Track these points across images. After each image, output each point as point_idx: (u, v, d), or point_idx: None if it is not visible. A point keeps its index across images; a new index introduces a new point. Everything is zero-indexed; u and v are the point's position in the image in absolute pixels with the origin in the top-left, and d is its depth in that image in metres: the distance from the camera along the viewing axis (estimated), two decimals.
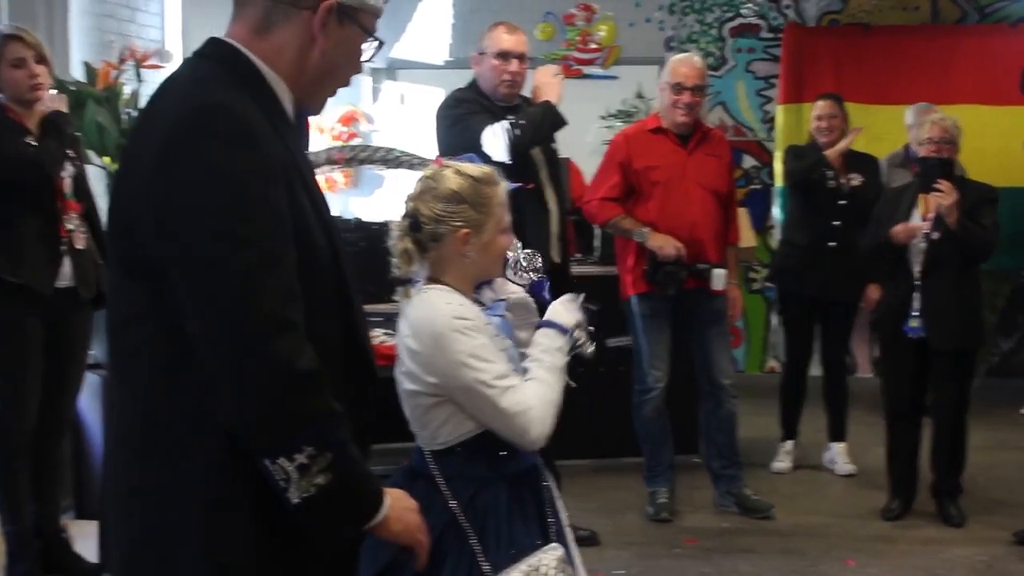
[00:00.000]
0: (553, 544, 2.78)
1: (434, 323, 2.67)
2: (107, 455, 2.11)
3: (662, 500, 5.68)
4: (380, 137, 9.33)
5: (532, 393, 2.71)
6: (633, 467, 6.08)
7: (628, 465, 6.26)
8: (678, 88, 5.50)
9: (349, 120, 9.17)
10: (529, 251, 3.04)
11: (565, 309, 2.88)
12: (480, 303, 2.84)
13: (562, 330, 2.83)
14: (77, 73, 6.04)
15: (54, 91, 4.64)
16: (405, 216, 2.78)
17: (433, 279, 2.78)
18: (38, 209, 4.48)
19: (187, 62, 2.10)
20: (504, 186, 2.83)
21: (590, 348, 2.91)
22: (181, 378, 1.91)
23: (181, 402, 1.92)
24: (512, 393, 2.68)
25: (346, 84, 2.17)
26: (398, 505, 2.10)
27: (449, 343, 2.64)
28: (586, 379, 6.30)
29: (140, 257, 1.93)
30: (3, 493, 4.57)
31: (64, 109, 4.63)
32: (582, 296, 2.94)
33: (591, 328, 2.91)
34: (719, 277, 5.47)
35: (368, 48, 2.15)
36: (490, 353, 2.68)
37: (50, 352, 4.56)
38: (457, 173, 2.77)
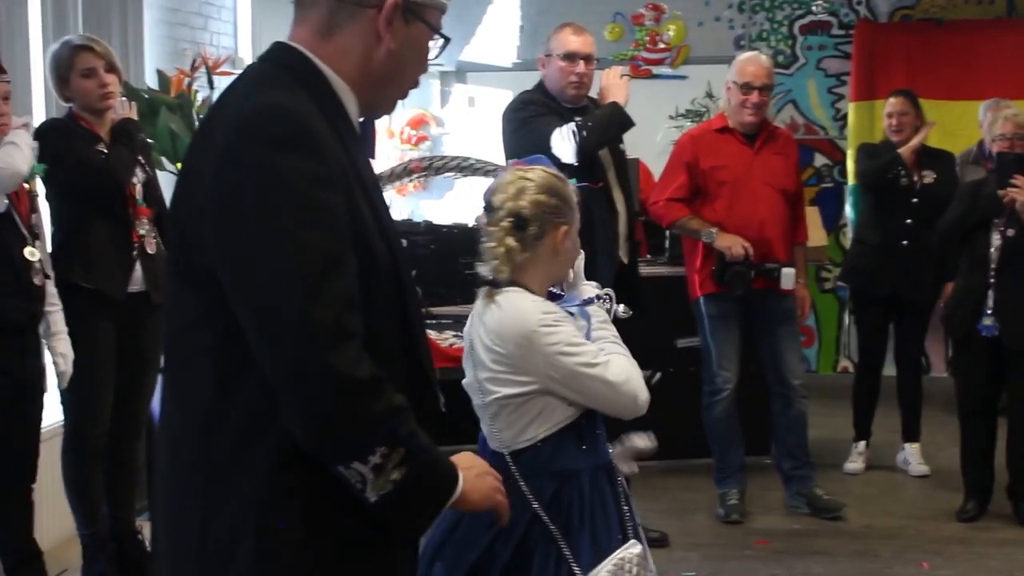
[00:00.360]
0: (632, 540, 2.82)
1: (524, 323, 2.72)
2: (159, 461, 2.09)
3: (732, 501, 5.65)
4: (450, 140, 9.39)
5: (623, 363, 2.81)
6: (703, 468, 6.05)
7: (698, 466, 6.23)
8: (747, 88, 5.47)
9: (419, 123, 9.23)
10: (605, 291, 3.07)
11: (582, 284, 2.97)
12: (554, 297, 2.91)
13: (592, 300, 2.92)
14: (151, 81, 6.13)
15: (124, 99, 4.72)
16: (505, 216, 2.77)
17: (514, 281, 2.80)
18: (110, 215, 4.56)
19: (250, 67, 2.09)
20: (573, 188, 2.89)
21: (621, 309, 3.05)
22: (236, 389, 1.90)
23: (235, 414, 1.90)
24: (612, 367, 2.77)
25: (415, 85, 2.14)
26: (471, 475, 2.09)
27: (542, 338, 2.71)
28: (657, 380, 6.37)
29: (198, 265, 1.91)
30: (78, 496, 4.65)
31: (134, 116, 4.71)
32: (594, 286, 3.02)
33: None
34: (788, 276, 5.43)
35: (434, 46, 2.12)
36: (580, 338, 2.77)
37: (123, 356, 4.64)
38: (547, 173, 2.85)
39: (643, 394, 2.83)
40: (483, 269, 2.81)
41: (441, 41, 2.12)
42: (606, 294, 2.98)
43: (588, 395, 2.78)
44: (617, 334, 2.91)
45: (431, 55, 2.13)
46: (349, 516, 1.93)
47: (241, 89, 1.99)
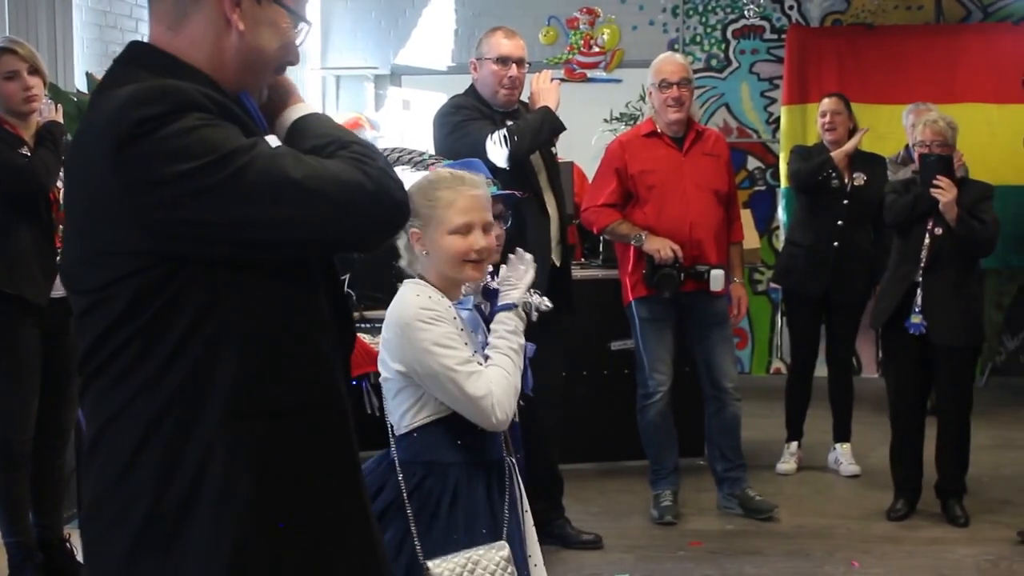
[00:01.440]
0: (500, 542, 2.86)
1: (402, 313, 2.85)
2: (86, 465, 2.03)
3: (666, 503, 5.67)
4: (384, 143, 9.34)
5: (494, 377, 2.85)
6: (637, 470, 6.08)
7: (632, 468, 6.26)
8: (664, 85, 5.51)
9: (353, 126, 9.16)
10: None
11: (511, 279, 3.02)
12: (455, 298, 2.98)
13: (509, 307, 2.98)
14: (80, 83, 6.06)
15: (49, 101, 4.66)
16: None
17: (421, 275, 2.96)
18: (33, 220, 4.50)
19: (107, 72, 2.03)
20: (469, 191, 2.94)
21: (546, 304, 3.10)
22: (166, 377, 1.89)
23: (166, 401, 1.89)
24: (476, 378, 2.82)
25: (282, 69, 2.10)
26: None
27: (415, 332, 2.81)
28: (590, 382, 6.38)
29: (115, 269, 1.89)
30: (4, 504, 4.59)
31: (59, 119, 4.65)
32: (528, 256, 3.10)
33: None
34: (717, 278, 5.46)
35: (301, 31, 2.08)
36: (454, 341, 2.83)
37: (47, 363, 4.58)
38: (429, 175, 2.98)
39: (500, 413, 2.85)
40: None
41: (304, 24, 2.08)
42: (529, 301, 3.03)
43: (444, 397, 2.85)
44: (520, 346, 2.95)
45: (297, 40, 2.08)
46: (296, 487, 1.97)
47: (101, 98, 1.93)
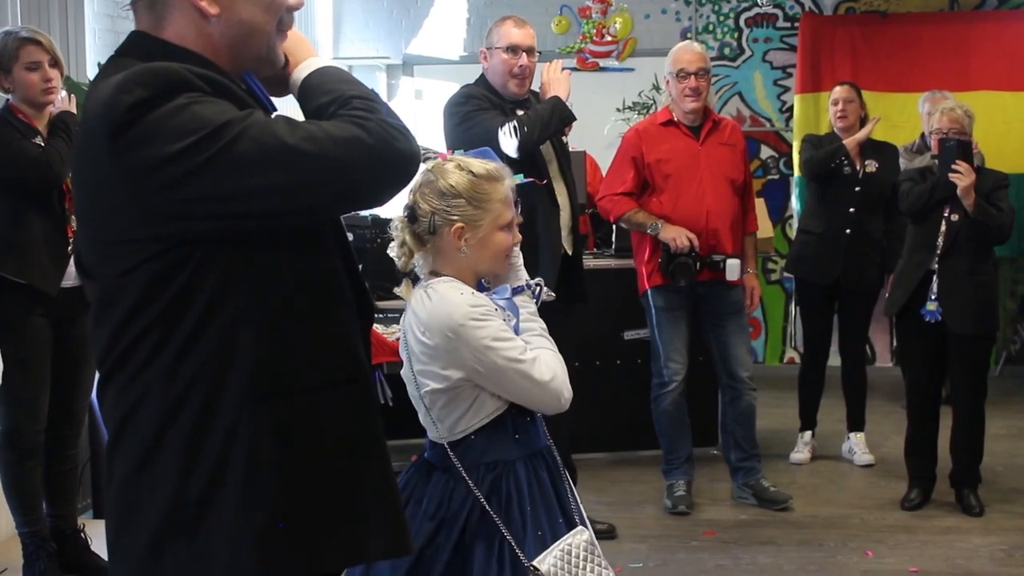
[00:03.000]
0: (580, 527, 2.83)
1: (451, 316, 2.71)
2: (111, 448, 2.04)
3: (680, 493, 5.67)
4: None
5: (550, 359, 2.81)
6: (651, 460, 6.08)
7: (646, 458, 6.26)
8: (683, 74, 5.49)
9: None
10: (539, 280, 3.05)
11: (514, 263, 2.95)
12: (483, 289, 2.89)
13: (521, 290, 2.91)
14: (92, 74, 6.06)
15: (64, 92, 4.66)
16: (405, 208, 2.81)
17: (434, 272, 2.82)
18: (45, 209, 4.50)
19: (104, 63, 2.03)
20: (508, 184, 2.85)
21: (548, 293, 3.04)
22: (185, 363, 1.90)
23: (186, 387, 1.90)
24: (539, 363, 2.76)
25: (287, 24, 2.07)
26: None
27: (471, 331, 2.69)
28: (603, 372, 6.38)
29: (129, 253, 1.89)
30: (17, 494, 4.59)
31: (73, 110, 4.65)
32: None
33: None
34: (733, 267, 5.45)
35: None
36: (508, 333, 2.75)
37: (59, 352, 4.58)
38: (458, 168, 2.80)
39: (567, 392, 2.83)
40: (394, 258, 2.85)
41: None
42: (536, 283, 2.97)
43: (512, 391, 2.78)
44: (545, 327, 2.90)
45: None
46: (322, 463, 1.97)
47: (98, 87, 1.93)
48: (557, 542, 2.74)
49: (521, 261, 2.98)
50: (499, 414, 2.81)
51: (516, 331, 2.82)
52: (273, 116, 1.93)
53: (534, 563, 2.69)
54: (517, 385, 2.75)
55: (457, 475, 2.80)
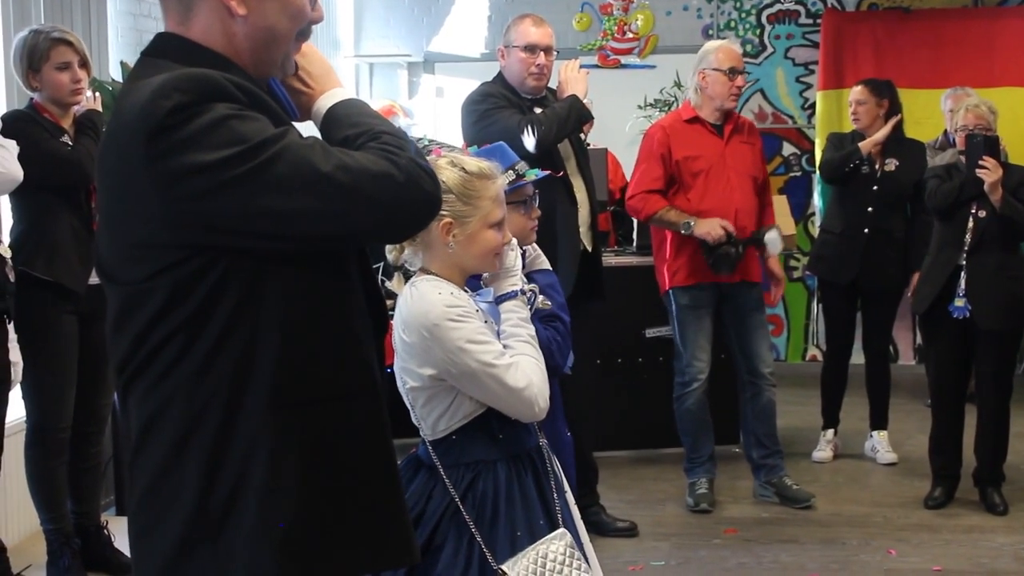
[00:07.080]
0: (560, 531, 2.80)
1: (427, 315, 2.70)
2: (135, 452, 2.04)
3: (702, 491, 5.66)
4: (418, 131, 9.35)
5: (528, 366, 2.77)
6: (673, 458, 6.07)
7: (668, 456, 6.26)
8: (733, 72, 5.50)
9: (387, 115, 9.16)
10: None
11: (510, 268, 2.92)
12: (468, 290, 2.87)
13: (512, 296, 2.88)
14: (115, 73, 6.08)
15: (89, 92, 4.68)
16: None
17: (424, 268, 2.82)
18: (73, 208, 4.53)
19: (135, 64, 2.03)
20: (501, 183, 2.86)
21: (545, 303, 3.02)
22: (209, 371, 1.91)
23: (209, 395, 1.91)
24: (514, 370, 2.73)
25: (305, 36, 2.08)
26: None
27: (445, 332, 2.68)
28: (625, 370, 6.37)
29: (154, 260, 1.89)
30: (42, 491, 4.62)
31: (99, 108, 4.68)
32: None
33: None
34: (773, 240, 5.46)
35: None
36: (485, 335, 2.73)
37: (85, 350, 4.61)
38: (451, 164, 2.81)
39: (542, 402, 2.78)
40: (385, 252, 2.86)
41: None
42: (531, 289, 2.95)
43: (483, 394, 2.75)
44: (534, 334, 2.86)
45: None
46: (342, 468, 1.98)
47: (129, 90, 1.93)
48: (532, 546, 2.72)
49: (518, 265, 2.96)
50: (479, 414, 2.78)
51: (498, 335, 2.80)
52: (308, 139, 1.93)
53: (503, 567, 2.68)
54: (489, 389, 2.72)
55: (438, 474, 2.80)
